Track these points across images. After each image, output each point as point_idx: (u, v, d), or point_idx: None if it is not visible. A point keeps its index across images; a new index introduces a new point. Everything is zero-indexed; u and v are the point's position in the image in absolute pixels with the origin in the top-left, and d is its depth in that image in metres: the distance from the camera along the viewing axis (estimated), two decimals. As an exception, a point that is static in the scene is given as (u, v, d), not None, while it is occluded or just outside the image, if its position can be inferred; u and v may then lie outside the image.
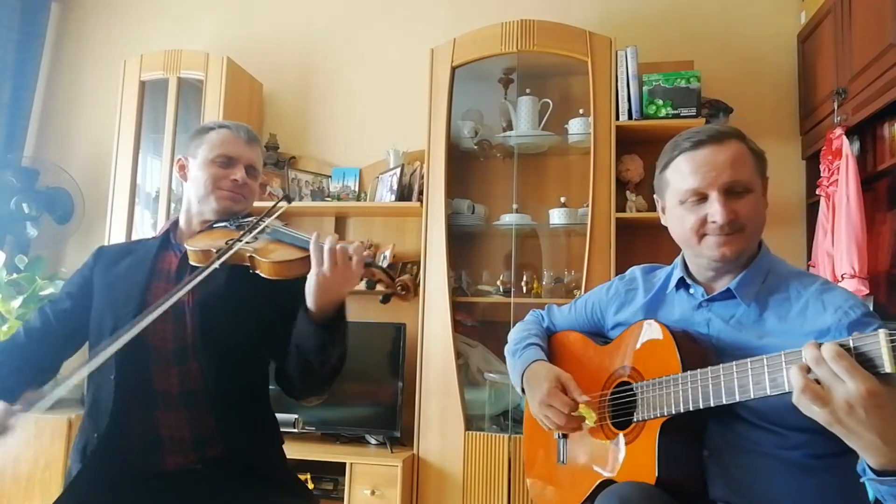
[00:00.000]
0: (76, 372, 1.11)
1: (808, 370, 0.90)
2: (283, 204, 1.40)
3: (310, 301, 1.23)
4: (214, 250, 1.30)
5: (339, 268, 1.18)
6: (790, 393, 0.93)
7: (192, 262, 1.36)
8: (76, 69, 3.59)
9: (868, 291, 2.11)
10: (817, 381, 0.89)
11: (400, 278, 1.26)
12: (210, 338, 1.35)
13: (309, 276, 1.21)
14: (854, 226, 2.14)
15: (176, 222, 1.54)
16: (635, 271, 1.48)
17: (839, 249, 2.18)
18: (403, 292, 1.26)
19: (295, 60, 3.35)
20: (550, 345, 1.56)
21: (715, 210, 1.18)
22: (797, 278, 1.22)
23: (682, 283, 1.32)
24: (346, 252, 1.18)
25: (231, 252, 1.27)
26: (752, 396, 1.01)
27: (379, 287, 1.27)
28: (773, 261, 1.27)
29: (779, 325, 1.17)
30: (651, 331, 1.27)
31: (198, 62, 3.07)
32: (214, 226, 1.46)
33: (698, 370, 1.11)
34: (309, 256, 1.22)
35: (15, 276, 2.99)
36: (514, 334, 1.60)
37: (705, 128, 1.26)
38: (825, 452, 1.10)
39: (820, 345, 0.90)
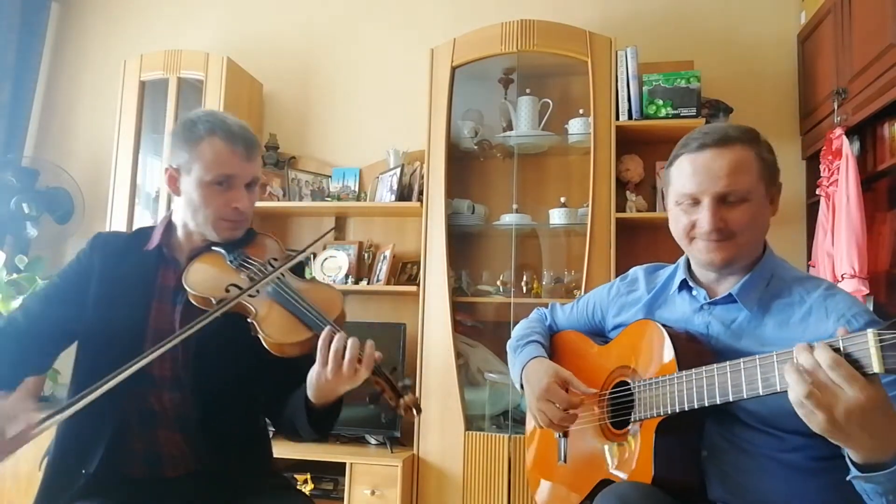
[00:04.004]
0: (73, 404, 1.06)
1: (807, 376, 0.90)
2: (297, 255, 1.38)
3: (309, 391, 1.21)
4: (214, 301, 1.27)
5: (343, 373, 1.14)
6: (781, 392, 0.93)
7: (191, 300, 1.32)
8: (76, 69, 3.59)
9: (868, 291, 2.11)
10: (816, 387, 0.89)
11: (405, 399, 1.18)
12: (203, 372, 1.32)
13: (312, 369, 1.19)
14: (854, 226, 2.14)
15: (169, 227, 1.43)
16: (638, 271, 1.47)
17: (839, 249, 2.18)
18: (403, 413, 1.19)
19: (295, 60, 3.35)
20: (552, 344, 1.56)
21: (703, 217, 1.18)
22: (801, 283, 1.21)
23: (684, 285, 1.31)
24: (353, 359, 1.15)
25: (231, 305, 1.23)
26: (745, 396, 1.01)
27: (384, 398, 1.20)
28: (778, 264, 1.26)
29: (780, 333, 1.16)
30: (649, 330, 1.26)
31: (198, 62, 3.08)
32: (213, 248, 1.40)
33: (693, 370, 1.11)
34: (315, 337, 1.19)
35: (15, 276, 2.99)
36: (516, 331, 1.61)
37: (716, 128, 1.23)
38: (824, 455, 1.10)
39: (812, 348, 0.90)
